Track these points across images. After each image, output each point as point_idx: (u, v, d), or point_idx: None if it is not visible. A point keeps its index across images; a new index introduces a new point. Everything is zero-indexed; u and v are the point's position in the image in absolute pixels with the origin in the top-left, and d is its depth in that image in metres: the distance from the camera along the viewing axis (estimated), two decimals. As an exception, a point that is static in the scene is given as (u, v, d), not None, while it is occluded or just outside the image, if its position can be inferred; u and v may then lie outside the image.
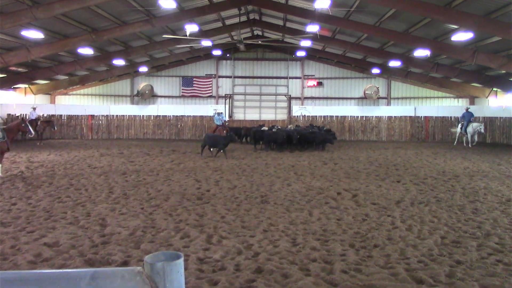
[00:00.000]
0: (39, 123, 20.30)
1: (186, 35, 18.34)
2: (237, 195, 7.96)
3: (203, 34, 20.73)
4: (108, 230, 5.54)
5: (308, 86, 28.32)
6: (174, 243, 5.00)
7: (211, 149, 14.35)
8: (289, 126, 21.01)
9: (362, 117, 25.51)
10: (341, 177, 10.25)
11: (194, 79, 28.29)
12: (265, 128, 18.47)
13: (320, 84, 28.16)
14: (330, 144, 17.67)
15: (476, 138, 19.79)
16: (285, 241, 5.15)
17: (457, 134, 20.82)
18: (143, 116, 25.74)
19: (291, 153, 16.08)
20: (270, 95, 28.26)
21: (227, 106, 26.46)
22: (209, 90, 28.32)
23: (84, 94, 28.63)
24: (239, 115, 28.24)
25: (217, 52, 25.27)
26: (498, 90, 22.90)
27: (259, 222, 6.03)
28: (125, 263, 4.34)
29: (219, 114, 17.40)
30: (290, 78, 28.39)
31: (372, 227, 5.81)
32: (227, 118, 17.86)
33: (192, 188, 8.58)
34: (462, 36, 14.32)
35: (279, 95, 28.22)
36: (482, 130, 19.37)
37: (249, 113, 28.31)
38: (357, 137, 25.15)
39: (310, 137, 17.05)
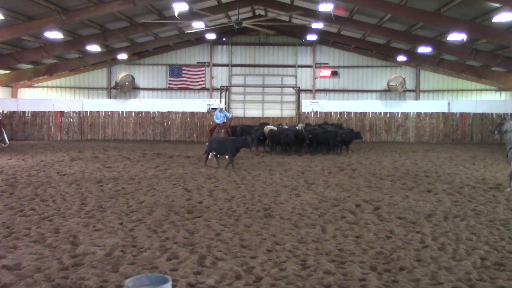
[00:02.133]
0: None
1: (174, 16, 18.34)
2: (235, 207, 8.01)
3: (194, 14, 20.75)
4: (80, 250, 5.56)
5: (321, 77, 28.47)
6: (160, 265, 5.02)
7: (217, 157, 13.39)
8: (299, 125, 20.96)
9: (385, 113, 25.77)
10: (361, 185, 10.32)
11: (184, 68, 28.47)
12: (270, 127, 18.37)
13: (335, 74, 28.32)
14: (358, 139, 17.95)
15: None
16: (293, 263, 5.17)
17: None
18: (122, 112, 25.99)
19: (300, 157, 16.21)
20: (275, 87, 28.41)
21: (223, 100, 26.44)
22: (202, 81, 28.50)
23: (52, 87, 28.72)
24: (237, 111, 28.25)
25: (211, 36, 25.33)
26: (549, 81, 22.84)
27: (262, 240, 6.09)
28: (100, 289, 4.27)
29: (221, 110, 16.56)
30: (299, 66, 28.51)
31: (397, 246, 5.85)
32: (229, 115, 16.99)
33: (181, 199, 8.64)
34: (505, 16, 14.30)
35: (286, 87, 28.35)
36: None
37: (250, 108, 28.58)
38: (379, 137, 25.41)
39: (323, 138, 17.19)
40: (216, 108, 17.62)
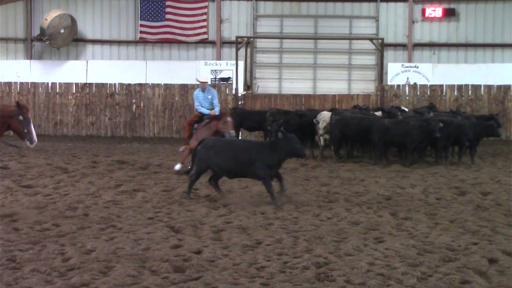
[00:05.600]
0: None
1: None
2: (262, 262, 7.06)
3: None
4: None
5: (426, 19, 25.47)
6: None
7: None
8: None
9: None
10: (498, 223, 9.23)
11: (169, 2, 25.70)
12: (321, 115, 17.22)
13: (449, 13, 25.28)
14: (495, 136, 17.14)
15: None
16: None
17: None
18: (54, 85, 23.82)
19: (382, 169, 15.34)
20: (338, 41, 25.71)
21: (241, 63, 24.00)
22: (202, 28, 25.68)
23: None
24: (267, 85, 25.86)
25: None
26: None
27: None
28: None
29: (204, 87, 14.33)
30: (382, 1, 25.54)
31: None
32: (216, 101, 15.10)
33: (163, 247, 7.65)
34: None
35: (359, 39, 25.54)
36: None
37: (291, 79, 26.17)
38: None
39: (422, 132, 15.53)
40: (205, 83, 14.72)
